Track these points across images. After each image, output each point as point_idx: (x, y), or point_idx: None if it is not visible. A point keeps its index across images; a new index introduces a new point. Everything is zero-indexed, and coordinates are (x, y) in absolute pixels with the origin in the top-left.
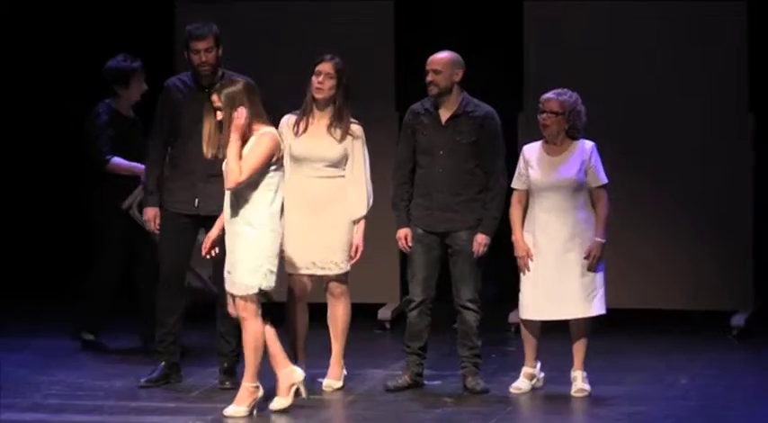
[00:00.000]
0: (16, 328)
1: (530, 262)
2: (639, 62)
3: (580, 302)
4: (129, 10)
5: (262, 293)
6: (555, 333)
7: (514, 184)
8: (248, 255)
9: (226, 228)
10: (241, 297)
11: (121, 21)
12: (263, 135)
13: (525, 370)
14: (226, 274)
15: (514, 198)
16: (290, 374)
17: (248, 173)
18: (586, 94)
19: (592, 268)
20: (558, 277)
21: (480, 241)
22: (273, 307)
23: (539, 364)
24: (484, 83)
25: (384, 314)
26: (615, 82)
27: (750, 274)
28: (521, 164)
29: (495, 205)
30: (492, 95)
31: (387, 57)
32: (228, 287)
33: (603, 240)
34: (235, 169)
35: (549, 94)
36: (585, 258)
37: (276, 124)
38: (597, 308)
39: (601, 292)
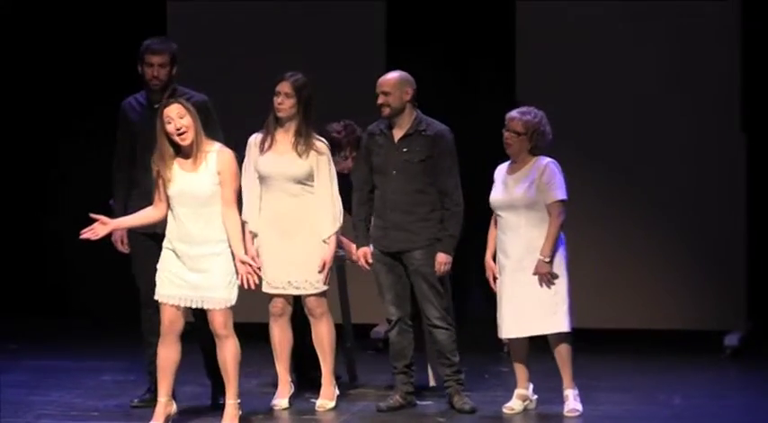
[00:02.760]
0: (9, 347)
1: (494, 283)
2: (631, 74)
3: (540, 320)
4: (119, 7)
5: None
6: (549, 353)
7: (490, 204)
8: (225, 271)
9: (191, 251)
10: (221, 314)
11: (111, 18)
12: (223, 151)
13: (518, 391)
14: (193, 294)
15: (492, 218)
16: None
17: (236, 195)
18: (577, 101)
19: (545, 286)
20: (515, 295)
21: (441, 260)
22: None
23: (531, 386)
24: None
25: (377, 334)
26: (605, 93)
27: (743, 293)
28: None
29: (453, 223)
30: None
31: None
32: (207, 305)
33: (547, 259)
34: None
35: (514, 113)
36: (534, 275)
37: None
38: (560, 325)
39: (563, 309)
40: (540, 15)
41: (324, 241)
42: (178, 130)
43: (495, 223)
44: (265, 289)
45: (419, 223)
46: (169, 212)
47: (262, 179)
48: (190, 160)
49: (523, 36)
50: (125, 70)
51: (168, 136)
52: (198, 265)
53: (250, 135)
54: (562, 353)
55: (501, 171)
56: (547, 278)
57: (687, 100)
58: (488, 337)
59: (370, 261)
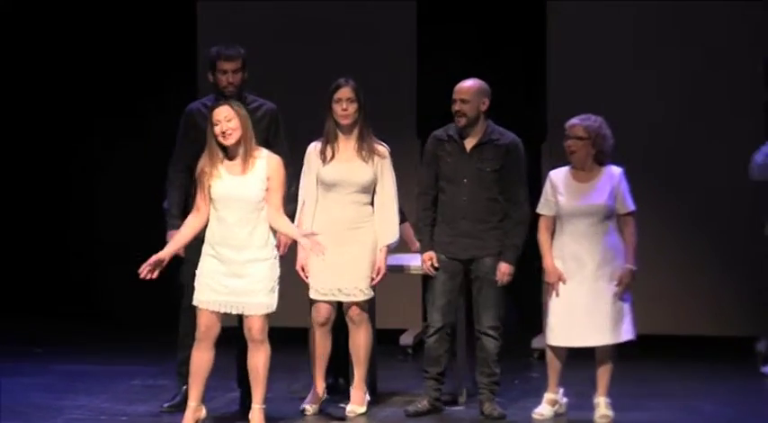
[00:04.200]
0: (37, 351)
1: (561, 288)
2: (666, 85)
3: (609, 329)
4: (149, 8)
5: None
6: (578, 359)
7: (541, 210)
8: (267, 277)
9: (235, 255)
10: (260, 319)
11: (141, 18)
12: (273, 158)
13: (548, 396)
14: (233, 299)
15: (542, 224)
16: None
17: (282, 202)
18: (611, 107)
19: (621, 295)
20: (589, 305)
21: (504, 270)
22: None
23: (561, 390)
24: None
25: (406, 340)
26: (640, 104)
27: None
28: (547, 189)
29: (518, 233)
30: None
31: (409, 79)
32: (247, 311)
33: (634, 267)
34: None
35: (574, 120)
36: (616, 285)
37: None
38: (626, 334)
39: (629, 318)
40: (572, 20)
41: (381, 248)
42: (223, 132)
43: (548, 228)
44: (313, 295)
45: (490, 231)
46: (212, 217)
47: (324, 187)
48: (238, 164)
49: (555, 40)
50: (156, 71)
51: (216, 137)
52: (241, 270)
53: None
54: (606, 362)
55: (563, 177)
56: (629, 288)
57: (725, 109)
58: (518, 342)
59: (437, 265)
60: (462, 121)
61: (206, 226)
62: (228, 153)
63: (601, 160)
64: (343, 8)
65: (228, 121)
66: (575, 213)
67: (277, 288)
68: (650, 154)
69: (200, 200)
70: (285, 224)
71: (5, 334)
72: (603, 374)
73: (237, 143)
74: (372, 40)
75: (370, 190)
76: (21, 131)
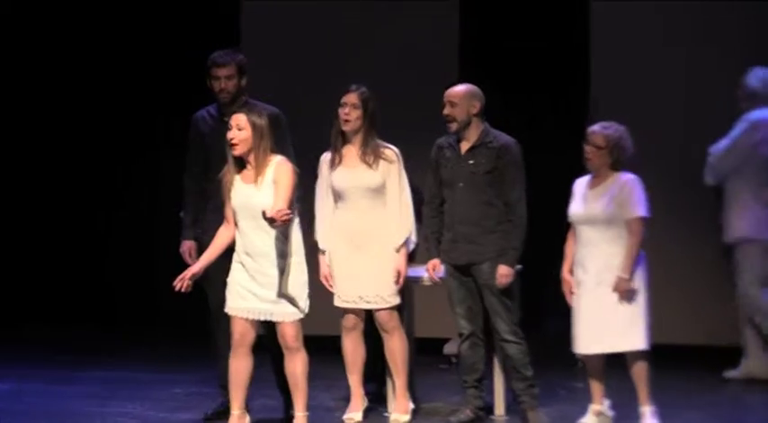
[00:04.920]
0: (82, 359)
1: (572, 297)
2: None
3: (618, 336)
4: (193, 8)
5: None
6: (627, 369)
7: (569, 218)
8: (294, 283)
9: (256, 264)
10: (292, 326)
11: (186, 19)
12: (282, 163)
13: (593, 407)
14: (263, 306)
15: (569, 231)
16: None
17: (288, 205)
18: (653, 115)
19: (624, 303)
20: (593, 311)
21: (502, 273)
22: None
23: (607, 402)
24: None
25: (449, 349)
26: (682, 105)
27: None
28: (572, 197)
29: (516, 236)
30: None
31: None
32: (277, 317)
33: (626, 276)
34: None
35: (595, 127)
36: (613, 292)
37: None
38: (636, 343)
39: (641, 327)
40: (616, 26)
41: (396, 250)
42: (231, 139)
43: (573, 237)
44: (337, 303)
45: (486, 235)
46: (237, 227)
47: (336, 194)
48: (251, 174)
49: (599, 45)
50: (195, 80)
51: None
52: (264, 278)
53: (322, 140)
54: (638, 370)
55: (581, 185)
56: (626, 295)
57: None
58: (562, 351)
59: (440, 273)
60: (453, 126)
61: (233, 237)
62: (242, 162)
63: (616, 168)
64: (385, 15)
65: (240, 130)
66: (579, 220)
67: (306, 293)
68: (687, 154)
69: (227, 211)
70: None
71: (50, 342)
72: (638, 383)
73: (249, 152)
74: (413, 44)
75: (382, 194)
76: (54, 141)
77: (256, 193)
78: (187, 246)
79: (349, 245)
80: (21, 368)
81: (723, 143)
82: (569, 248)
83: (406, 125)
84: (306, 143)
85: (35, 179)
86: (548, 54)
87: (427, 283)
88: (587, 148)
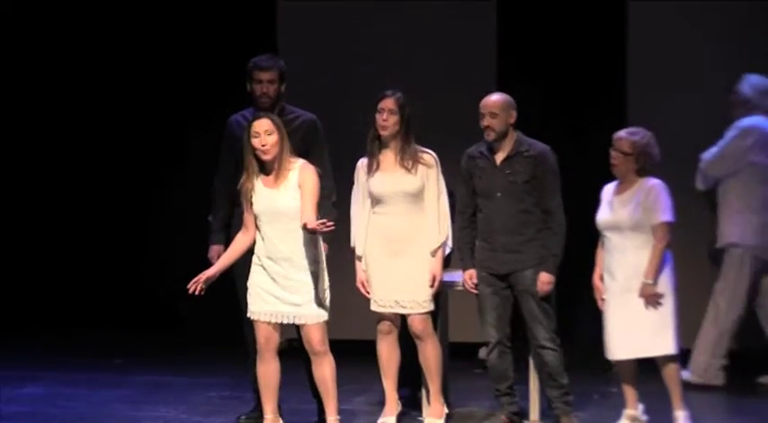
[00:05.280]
0: (115, 362)
1: (602, 303)
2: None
3: (646, 341)
4: (229, 8)
5: None
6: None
7: (596, 225)
8: (319, 287)
9: (280, 268)
10: (318, 329)
11: (222, 20)
12: (306, 166)
13: (627, 412)
14: (286, 310)
15: (600, 239)
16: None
17: (315, 209)
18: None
19: (651, 308)
20: (622, 317)
21: (544, 280)
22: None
23: (641, 407)
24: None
25: (484, 353)
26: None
27: None
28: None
29: (555, 243)
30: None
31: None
32: (301, 320)
33: (650, 281)
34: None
35: (622, 133)
36: (640, 297)
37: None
38: (666, 347)
39: (670, 331)
40: (652, 34)
41: (432, 254)
42: (263, 145)
43: (603, 244)
44: (374, 308)
45: (528, 244)
46: (258, 231)
47: (374, 200)
48: (272, 177)
49: (635, 52)
50: (228, 86)
51: (254, 151)
52: (288, 281)
53: (357, 145)
54: (670, 374)
55: (608, 191)
56: (653, 300)
57: None
58: (597, 357)
59: (476, 282)
60: (492, 136)
61: (251, 243)
62: (265, 166)
63: (642, 174)
64: (421, 20)
65: (269, 134)
66: (605, 227)
67: (328, 297)
68: None
69: (246, 217)
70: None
71: (86, 346)
72: (671, 387)
73: (275, 157)
74: (450, 50)
75: (421, 199)
76: (96, 146)
77: (280, 196)
78: (215, 250)
79: (386, 250)
80: (55, 371)
81: (714, 149)
82: (600, 255)
83: (442, 129)
84: (338, 149)
85: (76, 184)
86: (584, 58)
87: (460, 288)
88: (613, 154)
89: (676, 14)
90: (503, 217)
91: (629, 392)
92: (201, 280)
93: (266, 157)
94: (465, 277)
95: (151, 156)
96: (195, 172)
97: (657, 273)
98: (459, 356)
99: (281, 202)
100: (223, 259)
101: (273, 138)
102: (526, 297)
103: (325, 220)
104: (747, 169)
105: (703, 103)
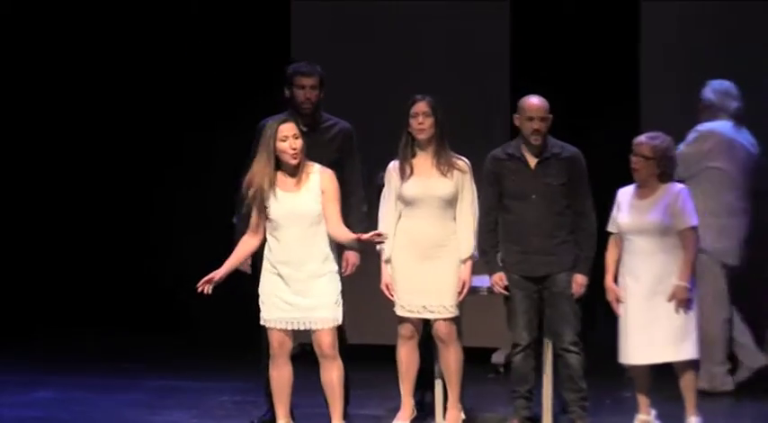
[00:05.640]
0: (128, 367)
1: (620, 306)
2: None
3: (670, 346)
4: (243, 6)
5: None
6: (673, 379)
7: (610, 228)
8: (331, 291)
9: (297, 272)
10: (329, 334)
11: (236, 18)
12: (326, 171)
13: (640, 417)
14: (300, 315)
15: (611, 242)
16: None
17: (340, 213)
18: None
19: (679, 312)
20: (646, 321)
21: (580, 282)
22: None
23: (654, 412)
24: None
25: (497, 358)
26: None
27: None
28: (614, 207)
29: (589, 245)
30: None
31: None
32: (314, 325)
33: (686, 284)
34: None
35: (642, 138)
36: (668, 301)
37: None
38: (688, 352)
39: (693, 336)
40: (665, 34)
41: (462, 261)
42: (294, 150)
43: (615, 246)
44: (400, 312)
45: (561, 246)
46: (270, 236)
47: (406, 203)
48: (292, 180)
49: (648, 53)
50: (244, 88)
51: (278, 153)
52: (304, 286)
53: (372, 148)
54: (687, 380)
55: (627, 195)
56: (683, 304)
57: None
58: (609, 361)
59: (506, 284)
60: (540, 140)
61: (258, 246)
62: (285, 170)
63: (665, 180)
64: (435, 22)
65: (296, 138)
66: (632, 230)
67: (341, 301)
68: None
69: (256, 219)
70: (345, 232)
71: (97, 350)
72: (685, 392)
73: (299, 161)
74: (465, 53)
75: (453, 205)
76: (106, 149)
77: (301, 199)
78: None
79: (416, 254)
80: (67, 376)
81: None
82: (612, 257)
83: (455, 129)
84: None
85: (87, 185)
86: (597, 58)
87: (486, 293)
88: (634, 159)
89: (689, 14)
90: (538, 219)
91: (643, 398)
92: (210, 280)
93: (294, 162)
94: (495, 279)
95: (165, 157)
96: (207, 173)
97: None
98: (471, 361)
99: (303, 205)
100: (230, 261)
101: (300, 142)
102: (560, 299)
103: (378, 232)
104: (705, 173)
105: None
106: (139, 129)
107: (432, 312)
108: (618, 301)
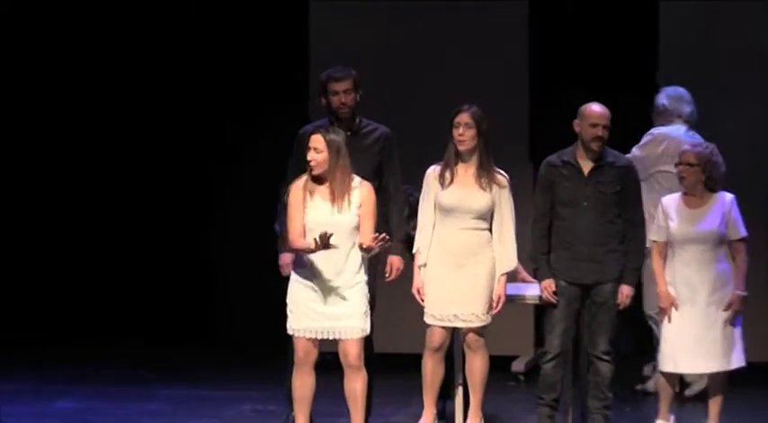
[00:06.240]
0: (147, 376)
1: (673, 314)
2: None
3: (721, 356)
4: (261, 6)
5: None
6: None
7: (654, 236)
8: (360, 301)
9: (328, 283)
10: (356, 344)
11: (254, 18)
12: (366, 186)
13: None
14: (329, 325)
15: (655, 250)
16: None
17: (374, 229)
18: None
19: (732, 321)
20: (700, 331)
21: (626, 293)
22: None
23: (672, 418)
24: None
25: (518, 366)
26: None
27: None
28: (659, 215)
29: (637, 256)
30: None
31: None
32: (343, 335)
33: (744, 293)
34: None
35: (686, 147)
36: (725, 311)
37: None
38: (737, 361)
39: (740, 345)
40: (684, 34)
41: (501, 276)
42: (310, 160)
43: (661, 254)
44: (429, 321)
45: (610, 255)
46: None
47: (442, 211)
48: (329, 192)
49: (666, 52)
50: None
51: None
52: (335, 296)
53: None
54: (718, 390)
55: (674, 203)
56: (739, 313)
57: None
58: (629, 369)
59: (555, 290)
60: (601, 146)
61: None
62: (321, 180)
63: (711, 187)
64: (455, 31)
65: (318, 152)
66: (687, 240)
67: (369, 312)
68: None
69: (297, 224)
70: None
71: (117, 359)
72: (715, 402)
73: (326, 172)
74: (484, 63)
75: (488, 217)
76: (133, 158)
77: (339, 213)
78: (286, 258)
79: (450, 263)
80: (86, 386)
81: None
82: (660, 266)
83: None
84: None
85: (109, 194)
86: (615, 57)
87: (531, 301)
88: (680, 168)
89: (708, 14)
90: (589, 226)
91: (665, 404)
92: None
93: (314, 172)
94: (544, 286)
95: (195, 165)
96: (231, 186)
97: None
98: (491, 369)
99: (341, 218)
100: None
101: (322, 155)
102: (603, 309)
103: (378, 235)
104: (657, 176)
105: (736, 105)
106: (170, 139)
107: (463, 321)
108: (668, 308)
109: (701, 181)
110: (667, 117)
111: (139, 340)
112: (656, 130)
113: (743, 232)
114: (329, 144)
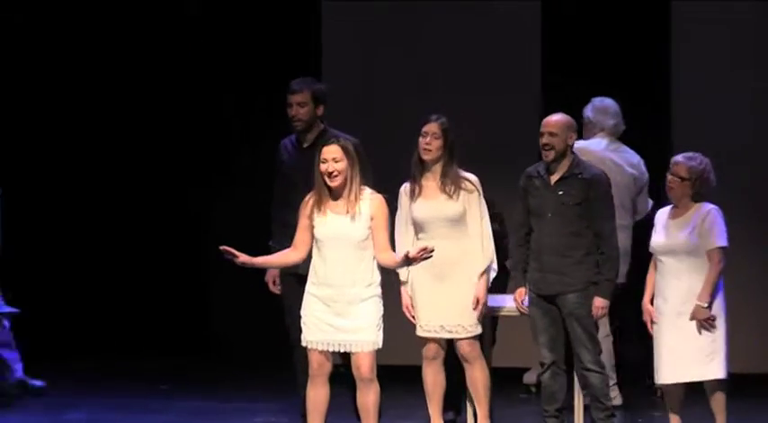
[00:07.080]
0: (161, 388)
1: (653, 327)
2: None
3: (697, 366)
4: (272, 8)
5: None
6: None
7: (650, 248)
8: (375, 315)
9: (340, 295)
10: (369, 357)
11: (265, 20)
12: (377, 197)
13: None
14: (341, 337)
15: (651, 263)
16: None
17: (388, 239)
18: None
19: (704, 332)
20: (675, 341)
21: (598, 305)
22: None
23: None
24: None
25: (529, 378)
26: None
27: None
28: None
29: (609, 267)
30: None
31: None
32: (355, 348)
33: (704, 304)
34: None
35: (679, 158)
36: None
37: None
38: (715, 372)
39: (721, 356)
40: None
41: (477, 278)
42: (330, 173)
43: (655, 267)
44: (419, 333)
45: (574, 266)
46: (316, 256)
47: (416, 225)
48: (341, 203)
49: (679, 52)
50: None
51: (322, 176)
52: (346, 309)
53: (403, 166)
54: (717, 400)
55: (663, 215)
56: (705, 324)
57: None
58: (640, 380)
59: (525, 302)
60: (551, 155)
61: (298, 262)
62: (334, 192)
63: (697, 200)
64: (466, 30)
65: (336, 161)
66: (660, 251)
67: (382, 325)
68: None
69: (302, 237)
70: (392, 257)
71: (128, 372)
72: (717, 412)
73: (343, 183)
74: (496, 67)
75: (462, 224)
76: (143, 176)
77: (351, 224)
78: (271, 274)
79: (431, 275)
80: (99, 397)
81: None
82: (651, 278)
83: (486, 132)
84: (383, 170)
85: (117, 209)
86: (627, 58)
87: (508, 313)
88: (670, 178)
89: (720, 15)
90: (552, 238)
91: (675, 417)
92: (233, 254)
93: (332, 184)
94: (515, 296)
95: (200, 182)
96: (242, 198)
97: (712, 297)
98: (503, 381)
99: (352, 230)
100: (268, 259)
101: (342, 164)
102: (570, 320)
103: (425, 247)
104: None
105: (748, 106)
106: (174, 150)
107: (450, 332)
108: (652, 322)
109: (687, 195)
110: (590, 129)
111: (153, 352)
112: (577, 144)
113: (718, 242)
114: (347, 152)
